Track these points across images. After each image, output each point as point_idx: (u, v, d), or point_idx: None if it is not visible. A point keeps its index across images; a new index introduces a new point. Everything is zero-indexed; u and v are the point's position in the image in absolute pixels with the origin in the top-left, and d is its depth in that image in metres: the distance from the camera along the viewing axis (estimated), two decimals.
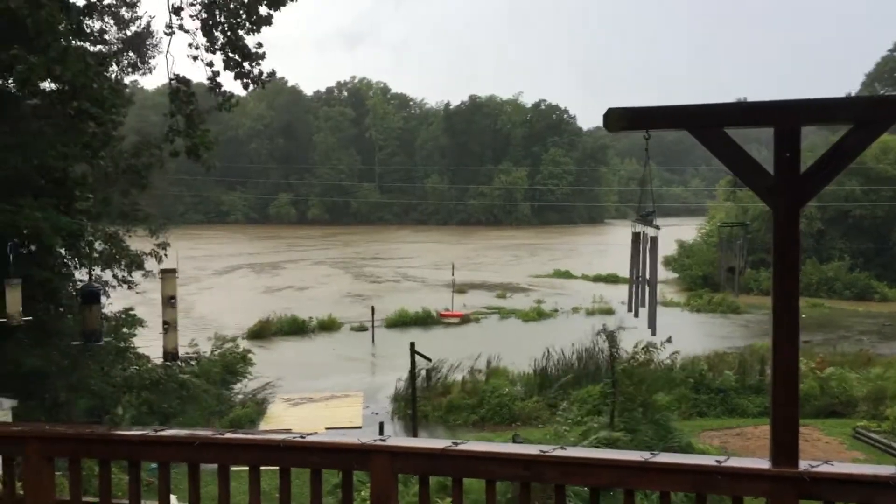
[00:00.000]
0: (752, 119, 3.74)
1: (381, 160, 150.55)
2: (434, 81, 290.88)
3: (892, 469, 3.56)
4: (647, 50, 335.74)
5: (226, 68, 14.05)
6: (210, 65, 14.01)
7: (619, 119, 3.82)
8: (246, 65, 14.15)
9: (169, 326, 6.52)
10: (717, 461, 3.72)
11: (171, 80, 13.93)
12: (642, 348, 21.22)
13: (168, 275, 6.53)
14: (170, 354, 6.80)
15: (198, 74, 14.88)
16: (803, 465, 3.63)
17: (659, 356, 23.31)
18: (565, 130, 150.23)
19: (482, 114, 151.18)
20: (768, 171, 3.67)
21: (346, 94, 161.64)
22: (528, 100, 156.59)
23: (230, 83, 15.41)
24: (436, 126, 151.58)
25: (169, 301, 6.34)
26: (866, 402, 25.88)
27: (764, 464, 3.74)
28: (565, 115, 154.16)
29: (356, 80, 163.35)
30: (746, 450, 22.29)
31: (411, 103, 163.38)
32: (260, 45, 14.27)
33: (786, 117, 3.61)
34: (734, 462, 3.75)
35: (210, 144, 15.01)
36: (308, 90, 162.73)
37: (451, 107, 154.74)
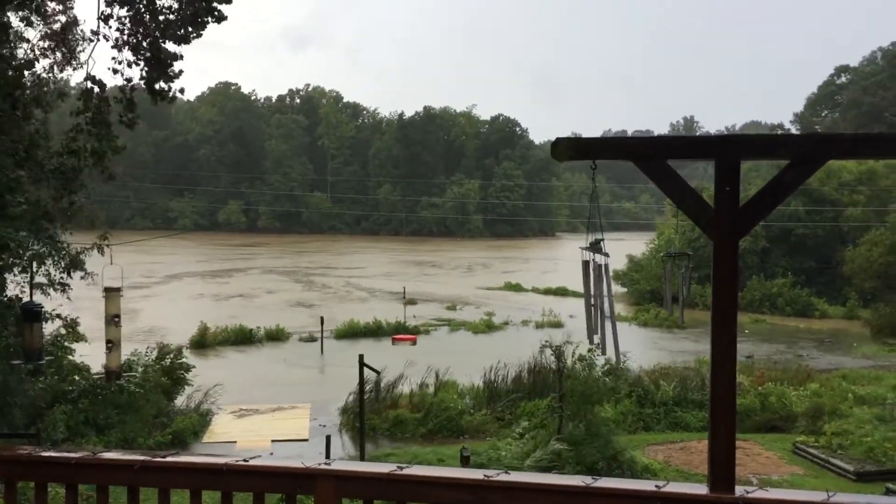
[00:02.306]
0: (694, 153, 3.85)
1: (333, 169, 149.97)
2: (384, 89, 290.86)
3: (823, 495, 3.67)
4: (602, 63, 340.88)
5: (142, 81, 14.18)
6: (129, 80, 14.13)
7: (566, 149, 3.90)
8: (161, 84, 14.29)
9: (113, 345, 6.41)
10: (657, 486, 3.79)
11: (86, 79, 13.91)
12: (579, 358, 21.55)
13: (112, 293, 6.42)
14: (113, 373, 6.67)
15: (118, 79, 14.89)
16: (739, 490, 3.72)
17: (599, 368, 23.68)
18: (518, 143, 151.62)
19: (436, 125, 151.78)
20: (709, 203, 3.77)
21: (298, 101, 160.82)
22: (480, 112, 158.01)
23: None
24: (389, 136, 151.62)
25: (112, 319, 6.23)
26: (805, 418, 26.49)
27: (702, 489, 3.82)
28: (517, 129, 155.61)
29: (309, 88, 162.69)
30: (690, 464, 22.66)
31: (364, 112, 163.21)
32: (182, 56, 14.45)
33: (727, 152, 3.71)
34: (673, 487, 3.82)
35: (117, 149, 14.95)
36: (252, 90, 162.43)
37: (404, 117, 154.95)
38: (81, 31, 17.42)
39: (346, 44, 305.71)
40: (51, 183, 16.59)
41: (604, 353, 4.66)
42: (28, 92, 14.77)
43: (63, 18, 17.45)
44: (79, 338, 21.09)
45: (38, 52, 17.02)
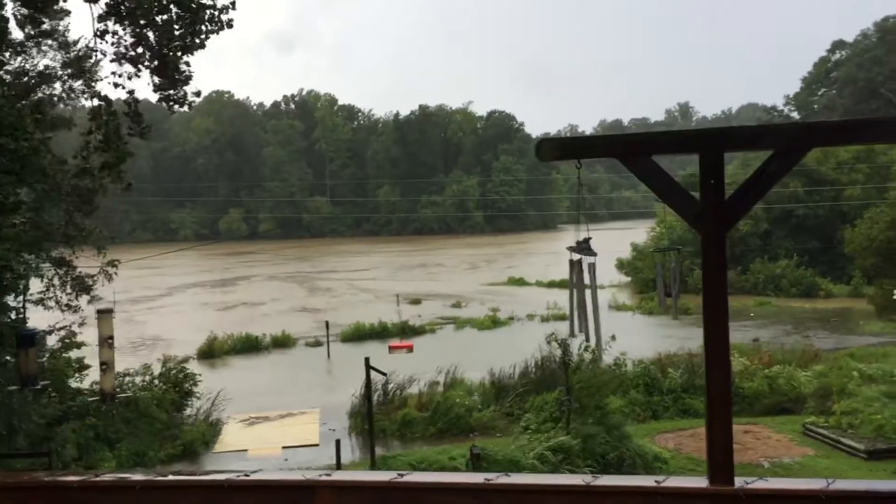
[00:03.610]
0: (677, 147, 3.86)
1: (331, 172, 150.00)
2: (377, 89, 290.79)
3: (822, 482, 3.69)
4: (596, 54, 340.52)
5: (154, 91, 14.16)
6: (131, 93, 14.13)
7: (551, 150, 3.91)
8: (171, 90, 14.28)
9: (107, 367, 6.43)
10: (657, 481, 3.81)
11: (92, 97, 13.96)
12: (586, 349, 21.54)
13: (104, 315, 6.44)
14: (108, 395, 6.69)
15: (120, 92, 14.91)
16: (739, 482, 3.74)
17: (607, 358, 23.67)
18: (515, 138, 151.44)
19: (431, 123, 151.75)
20: (695, 197, 3.78)
21: (293, 106, 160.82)
22: (476, 108, 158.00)
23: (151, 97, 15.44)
24: (386, 137, 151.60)
25: (106, 341, 6.25)
26: (814, 399, 26.46)
27: (702, 482, 3.84)
28: (514, 123, 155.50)
29: (303, 93, 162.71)
30: (701, 451, 22.61)
31: (359, 114, 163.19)
32: (188, 63, 14.41)
33: (709, 146, 3.72)
34: (673, 481, 3.85)
35: (124, 156, 14.97)
36: (246, 97, 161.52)
37: (400, 117, 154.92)
38: (85, 47, 17.55)
39: (332, 45, 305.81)
40: (66, 205, 16.71)
41: (588, 340, 4.71)
42: (26, 117, 14.79)
43: (75, 51, 17.59)
44: (77, 345, 21.11)
45: (37, 81, 17.15)
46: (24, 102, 15.69)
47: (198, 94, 15.00)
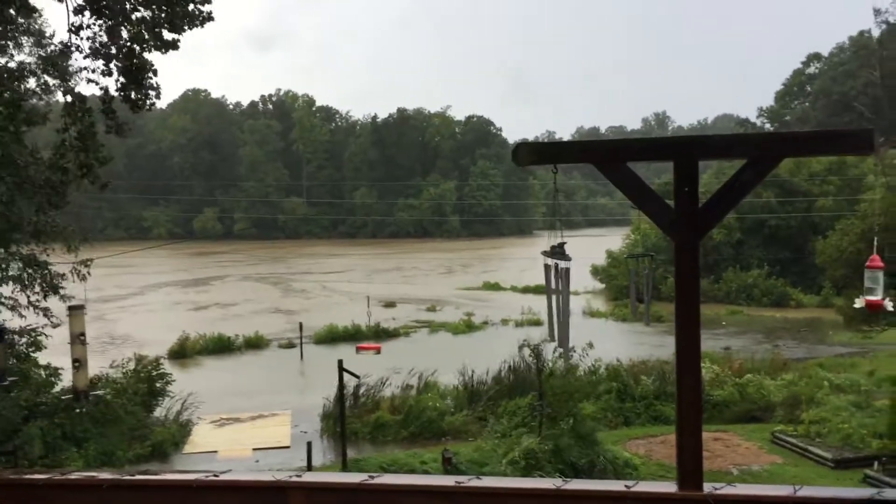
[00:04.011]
0: (652, 154, 3.89)
1: (308, 173, 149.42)
2: (354, 89, 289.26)
3: (790, 489, 3.72)
4: (574, 62, 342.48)
5: (117, 91, 14.05)
6: (105, 90, 13.99)
7: (528, 154, 3.93)
8: (134, 91, 14.17)
9: (80, 364, 6.34)
10: (626, 486, 3.83)
11: (65, 93, 13.82)
12: (560, 355, 21.59)
13: (76, 312, 6.36)
14: (81, 393, 6.60)
15: (93, 87, 14.75)
16: (707, 487, 3.77)
17: (582, 364, 23.73)
18: (493, 143, 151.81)
19: (410, 126, 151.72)
20: (669, 204, 3.81)
21: (270, 106, 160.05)
22: (454, 113, 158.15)
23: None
24: (364, 139, 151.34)
25: (78, 338, 6.16)
26: (783, 407, 26.76)
27: (671, 487, 3.86)
28: (492, 128, 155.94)
29: (281, 93, 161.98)
30: (671, 457, 22.67)
31: (337, 116, 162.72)
32: (154, 71, 14.36)
33: (684, 154, 3.75)
34: (643, 486, 3.87)
35: (105, 160, 14.80)
36: (222, 96, 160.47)
37: (378, 120, 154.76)
38: (60, 43, 17.32)
39: (310, 44, 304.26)
40: (38, 198, 16.48)
41: (560, 346, 4.74)
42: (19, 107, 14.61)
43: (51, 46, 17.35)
44: (39, 347, 20.84)
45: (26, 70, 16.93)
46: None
47: (158, 95, 14.86)
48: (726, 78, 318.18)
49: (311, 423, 27.14)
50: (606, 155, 3.89)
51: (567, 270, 4.57)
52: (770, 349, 39.82)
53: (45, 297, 17.71)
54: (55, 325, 18.71)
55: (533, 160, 3.95)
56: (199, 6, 14.24)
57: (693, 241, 3.76)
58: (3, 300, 17.44)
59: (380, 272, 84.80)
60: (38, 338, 20.13)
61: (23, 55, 17.63)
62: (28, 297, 17.77)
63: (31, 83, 17.63)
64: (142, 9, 14.07)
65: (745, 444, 24.30)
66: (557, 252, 4.57)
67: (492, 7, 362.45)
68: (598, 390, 27.90)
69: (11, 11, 14.34)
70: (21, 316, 18.10)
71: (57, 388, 22.06)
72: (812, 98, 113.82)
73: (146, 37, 14.03)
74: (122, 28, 14.04)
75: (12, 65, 17.20)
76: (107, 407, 22.98)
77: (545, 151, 3.93)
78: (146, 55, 14.25)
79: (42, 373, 22.16)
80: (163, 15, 14.01)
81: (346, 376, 23.00)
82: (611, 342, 38.64)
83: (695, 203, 3.76)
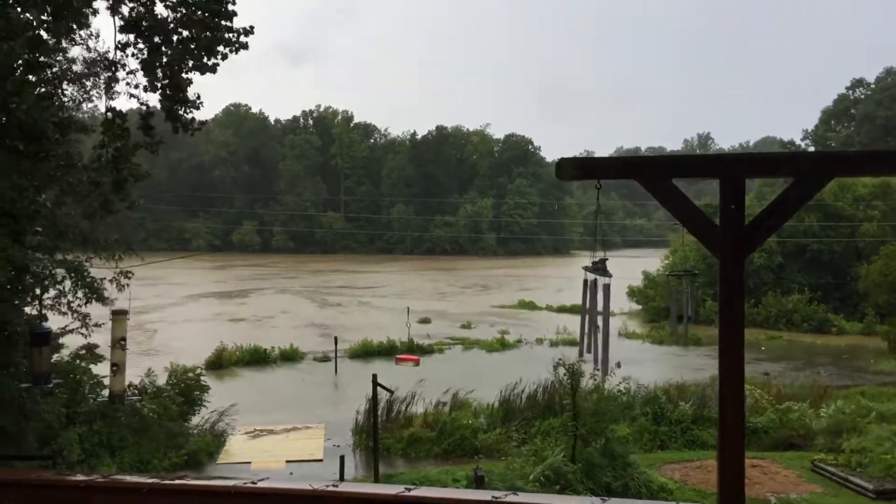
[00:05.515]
0: (698, 171, 3.86)
1: (346, 189, 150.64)
2: (392, 105, 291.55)
3: None
4: (615, 81, 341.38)
5: (161, 109, 14.23)
6: (145, 105, 14.18)
7: (571, 169, 3.92)
8: (181, 110, 14.34)
9: (118, 368, 6.42)
10: None
11: (107, 110, 14.01)
12: (594, 375, 21.37)
13: (119, 317, 6.45)
14: (117, 397, 6.68)
15: (134, 102, 14.97)
16: None
17: (614, 386, 23.45)
18: (530, 161, 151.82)
19: (448, 144, 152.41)
20: (714, 222, 3.77)
21: (311, 121, 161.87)
22: (493, 131, 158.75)
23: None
24: (402, 155, 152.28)
25: (119, 343, 6.25)
26: (824, 435, 26.17)
27: None
28: (530, 147, 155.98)
29: (321, 108, 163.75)
30: (707, 483, 22.41)
31: (376, 132, 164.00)
32: (198, 96, 14.54)
33: (730, 170, 3.71)
34: None
35: (141, 176, 14.98)
36: (259, 110, 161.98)
37: (417, 136, 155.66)
38: (105, 58, 17.67)
39: (348, 61, 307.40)
40: (83, 207, 16.73)
41: (596, 366, 4.68)
42: (51, 123, 14.87)
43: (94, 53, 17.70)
44: (97, 360, 21.22)
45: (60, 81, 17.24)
46: (47, 105, 15.82)
47: (204, 122, 15.13)
48: (771, 101, 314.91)
49: (343, 437, 27.19)
50: (651, 171, 3.86)
51: (608, 286, 4.52)
52: (809, 375, 39.03)
53: (86, 302, 17.93)
54: (90, 330, 18.93)
55: (576, 175, 3.94)
56: (238, 36, 14.45)
57: (739, 259, 3.72)
58: (50, 306, 17.73)
59: (415, 288, 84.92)
60: (92, 349, 20.45)
61: (75, 66, 17.98)
62: (69, 302, 18.02)
63: (76, 94, 17.95)
64: (183, 30, 14.31)
65: (783, 472, 23.79)
66: (599, 268, 4.52)
67: (535, 24, 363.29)
68: (634, 413, 27.54)
69: (74, 26, 14.63)
70: (63, 314, 18.36)
71: (98, 395, 22.36)
72: (857, 123, 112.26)
73: (189, 57, 14.26)
74: (165, 48, 14.29)
75: (61, 74, 17.54)
76: (143, 415, 23.23)
77: (589, 166, 3.90)
78: (185, 75, 14.48)
79: (85, 378, 22.47)
80: (202, 37, 14.23)
81: (379, 391, 23.01)
82: (647, 364, 38.22)
83: (741, 221, 3.72)
